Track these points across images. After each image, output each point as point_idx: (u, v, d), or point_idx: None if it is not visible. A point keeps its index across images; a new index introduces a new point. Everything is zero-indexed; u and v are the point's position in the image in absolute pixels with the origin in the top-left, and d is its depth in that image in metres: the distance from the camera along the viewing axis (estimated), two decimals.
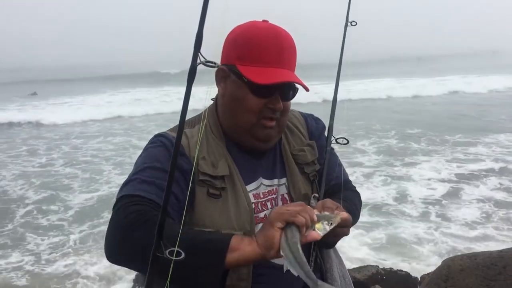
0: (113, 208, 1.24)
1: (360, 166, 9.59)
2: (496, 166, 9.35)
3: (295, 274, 1.10)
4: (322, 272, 1.51)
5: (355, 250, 6.03)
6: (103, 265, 5.57)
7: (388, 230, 6.61)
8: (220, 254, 1.11)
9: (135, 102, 23.18)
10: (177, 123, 1.42)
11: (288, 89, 1.37)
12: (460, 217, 6.95)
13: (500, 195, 7.68)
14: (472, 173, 8.97)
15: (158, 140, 1.37)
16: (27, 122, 17.98)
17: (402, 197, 7.84)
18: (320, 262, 1.50)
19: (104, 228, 6.54)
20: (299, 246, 1.09)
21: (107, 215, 7.24)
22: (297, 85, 1.38)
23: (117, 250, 1.16)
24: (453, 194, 7.88)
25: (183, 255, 1.02)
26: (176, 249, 1.01)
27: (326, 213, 1.26)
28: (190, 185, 1.19)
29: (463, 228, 6.59)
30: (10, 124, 17.70)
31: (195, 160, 1.27)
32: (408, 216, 7.09)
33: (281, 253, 1.10)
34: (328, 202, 1.33)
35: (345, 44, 1.76)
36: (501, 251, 4.35)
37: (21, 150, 12.77)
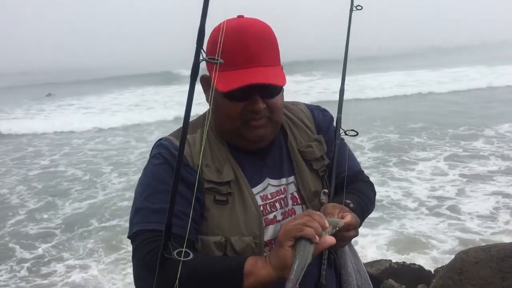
0: (131, 242, 1.27)
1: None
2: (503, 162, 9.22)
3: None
4: (336, 268, 1.48)
5: (366, 247, 5.98)
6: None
7: (395, 226, 6.58)
8: (236, 284, 1.12)
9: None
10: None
11: (266, 87, 1.29)
12: (470, 211, 6.88)
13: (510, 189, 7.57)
14: (479, 167, 8.87)
15: (160, 156, 1.33)
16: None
17: (407, 194, 7.78)
18: (334, 258, 1.47)
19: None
20: (297, 262, 1.05)
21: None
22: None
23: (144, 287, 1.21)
24: (461, 188, 7.80)
25: (191, 255, 1.03)
26: (184, 249, 1.01)
27: (329, 218, 1.23)
28: (194, 195, 1.18)
29: (475, 222, 6.52)
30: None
31: (198, 169, 1.26)
32: (414, 211, 7.04)
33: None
34: (329, 207, 1.30)
35: (351, 31, 1.68)
36: None
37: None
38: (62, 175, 10.15)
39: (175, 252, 1.04)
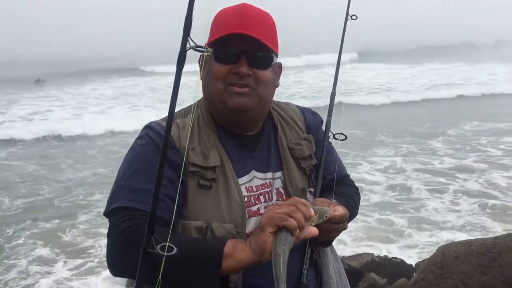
0: (108, 219, 1.26)
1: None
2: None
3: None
4: (317, 268, 1.48)
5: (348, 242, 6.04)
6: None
7: (377, 220, 6.67)
8: (215, 264, 1.12)
9: None
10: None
11: (255, 54, 1.31)
12: (446, 207, 7.03)
13: (480, 186, 7.79)
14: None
15: (147, 136, 1.33)
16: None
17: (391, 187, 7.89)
18: (316, 258, 1.47)
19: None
20: (281, 261, 1.06)
21: None
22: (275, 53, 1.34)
23: (117, 266, 1.19)
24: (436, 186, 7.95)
25: (175, 250, 1.03)
26: (167, 244, 1.00)
27: (319, 207, 1.23)
28: (181, 177, 1.17)
29: (452, 218, 6.68)
30: None
31: (185, 151, 1.25)
32: (393, 207, 7.16)
33: None
34: (319, 201, 1.31)
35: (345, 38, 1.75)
36: (495, 237, 4.37)
37: None
38: None
39: (158, 247, 1.03)
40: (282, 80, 1.48)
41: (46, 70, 27.97)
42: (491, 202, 7.13)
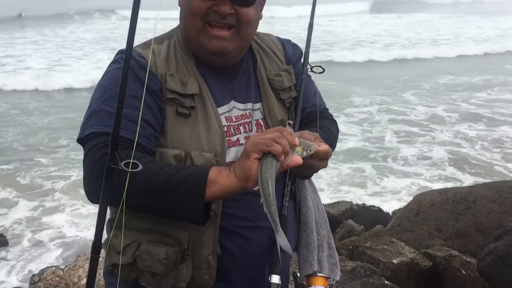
0: (83, 145, 1.22)
1: None
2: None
3: (264, 210, 1.08)
4: (296, 200, 1.48)
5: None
6: None
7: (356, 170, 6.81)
8: (199, 190, 1.11)
9: None
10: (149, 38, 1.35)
11: None
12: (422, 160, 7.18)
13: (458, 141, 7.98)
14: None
15: (122, 60, 1.25)
16: None
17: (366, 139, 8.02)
18: (295, 190, 1.47)
19: None
20: (269, 182, 1.05)
21: None
22: None
23: (94, 195, 1.15)
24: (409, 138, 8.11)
25: (140, 167, 1.02)
26: (132, 160, 0.99)
27: (303, 140, 1.20)
28: (144, 96, 1.14)
29: (427, 169, 6.83)
30: None
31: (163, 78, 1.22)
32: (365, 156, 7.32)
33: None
34: (306, 133, 1.27)
35: None
36: (471, 186, 4.48)
37: None
38: None
39: (122, 163, 1.01)
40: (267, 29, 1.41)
41: (28, 5, 26.82)
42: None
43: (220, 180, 1.11)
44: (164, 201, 1.13)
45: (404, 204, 5.15)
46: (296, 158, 1.12)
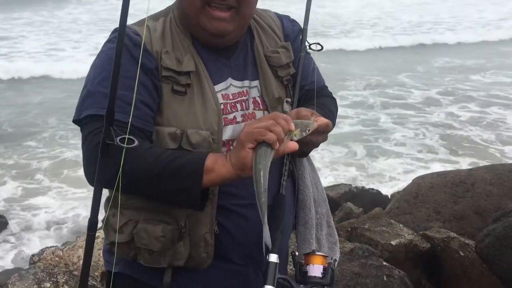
0: (80, 127, 1.22)
1: None
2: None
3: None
4: (294, 179, 1.47)
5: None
6: None
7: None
8: (196, 178, 1.11)
9: None
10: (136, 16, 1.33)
11: None
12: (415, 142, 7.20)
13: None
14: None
15: (116, 39, 1.22)
16: None
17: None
18: (293, 169, 1.46)
19: None
20: (262, 173, 1.06)
21: None
22: None
23: (94, 177, 1.16)
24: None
25: (136, 142, 1.03)
26: (127, 136, 0.99)
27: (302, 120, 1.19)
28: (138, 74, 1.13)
29: (420, 151, 6.89)
30: None
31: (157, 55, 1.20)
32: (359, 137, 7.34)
33: None
34: (303, 110, 1.26)
35: None
36: (470, 169, 4.48)
37: None
38: None
39: (117, 139, 1.01)
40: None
41: None
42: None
43: (217, 168, 1.12)
44: (162, 188, 1.14)
45: (399, 186, 5.22)
46: (291, 144, 1.11)
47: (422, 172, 5.62)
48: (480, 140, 7.16)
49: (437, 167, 6.02)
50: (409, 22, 19.45)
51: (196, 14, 1.25)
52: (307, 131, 1.16)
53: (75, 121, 1.24)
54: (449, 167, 5.94)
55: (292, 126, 1.10)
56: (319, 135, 1.25)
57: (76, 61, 12.42)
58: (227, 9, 1.24)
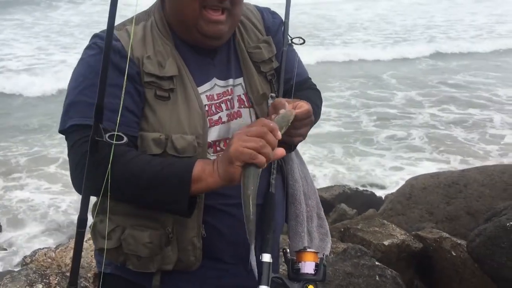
0: (65, 137, 1.22)
1: None
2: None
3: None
4: (283, 174, 1.47)
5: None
6: None
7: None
8: (184, 189, 1.13)
9: None
10: (124, 18, 1.33)
11: None
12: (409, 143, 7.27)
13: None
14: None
15: (96, 45, 1.25)
16: None
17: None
18: (281, 164, 1.46)
19: None
20: (251, 201, 1.08)
21: None
22: None
23: (81, 186, 1.16)
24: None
25: (125, 139, 1.04)
26: (116, 133, 1.00)
27: (281, 111, 1.20)
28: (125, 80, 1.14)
29: (406, 152, 6.97)
30: None
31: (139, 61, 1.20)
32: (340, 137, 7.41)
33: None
34: (280, 101, 1.26)
35: None
36: (463, 170, 4.50)
37: None
38: None
39: (106, 135, 1.01)
40: None
41: None
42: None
43: (204, 177, 1.12)
44: (149, 197, 1.16)
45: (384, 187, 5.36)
46: (278, 151, 1.11)
47: (401, 172, 5.82)
48: (464, 139, 7.27)
49: (420, 168, 6.14)
50: (402, 26, 19.47)
51: (195, 18, 1.24)
52: (289, 124, 1.18)
53: (60, 131, 1.24)
54: (434, 165, 6.11)
55: (279, 135, 1.11)
56: (303, 125, 1.26)
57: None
58: (222, 12, 1.25)
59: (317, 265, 1.26)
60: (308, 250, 1.30)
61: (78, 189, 1.18)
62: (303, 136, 1.31)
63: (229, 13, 1.26)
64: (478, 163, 5.90)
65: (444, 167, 6.08)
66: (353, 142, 7.27)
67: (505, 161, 6.20)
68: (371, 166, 6.49)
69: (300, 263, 1.27)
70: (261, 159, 1.06)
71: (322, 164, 6.50)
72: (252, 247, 1.11)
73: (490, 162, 6.09)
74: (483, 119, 8.11)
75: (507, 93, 9.61)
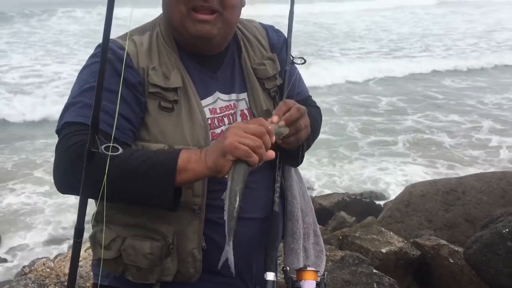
0: (57, 135, 1.21)
1: None
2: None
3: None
4: (282, 190, 1.48)
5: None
6: None
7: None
8: (169, 180, 1.12)
9: None
10: (129, 29, 1.35)
11: None
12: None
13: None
14: None
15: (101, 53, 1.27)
16: None
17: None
18: (281, 181, 1.47)
19: None
20: (238, 197, 1.09)
21: None
22: None
23: (64, 184, 1.16)
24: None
25: (120, 150, 1.03)
26: (111, 144, 0.99)
27: (280, 123, 1.23)
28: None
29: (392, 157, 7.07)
30: None
31: (144, 71, 1.21)
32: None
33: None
34: (288, 101, 1.29)
35: None
36: (461, 177, 4.52)
37: None
38: None
39: (102, 147, 1.01)
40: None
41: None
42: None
43: (190, 168, 1.12)
44: (135, 189, 1.14)
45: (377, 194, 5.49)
46: (269, 153, 1.12)
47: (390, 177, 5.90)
48: (449, 145, 7.37)
49: (406, 174, 6.33)
50: (398, 34, 19.47)
51: (182, 20, 1.26)
52: (279, 138, 1.22)
53: (56, 131, 1.23)
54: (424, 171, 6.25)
55: (274, 139, 1.13)
56: (299, 129, 1.29)
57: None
58: (211, 13, 1.26)
59: (318, 284, 1.27)
60: (309, 268, 1.32)
61: (60, 185, 1.17)
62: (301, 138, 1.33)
63: (220, 16, 1.27)
64: (464, 169, 6.05)
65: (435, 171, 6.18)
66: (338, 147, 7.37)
67: (492, 168, 6.28)
68: (360, 171, 6.60)
69: (301, 282, 1.28)
70: (255, 158, 1.07)
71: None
72: (230, 243, 1.11)
73: (477, 167, 6.25)
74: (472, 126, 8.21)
75: (492, 100, 9.75)
